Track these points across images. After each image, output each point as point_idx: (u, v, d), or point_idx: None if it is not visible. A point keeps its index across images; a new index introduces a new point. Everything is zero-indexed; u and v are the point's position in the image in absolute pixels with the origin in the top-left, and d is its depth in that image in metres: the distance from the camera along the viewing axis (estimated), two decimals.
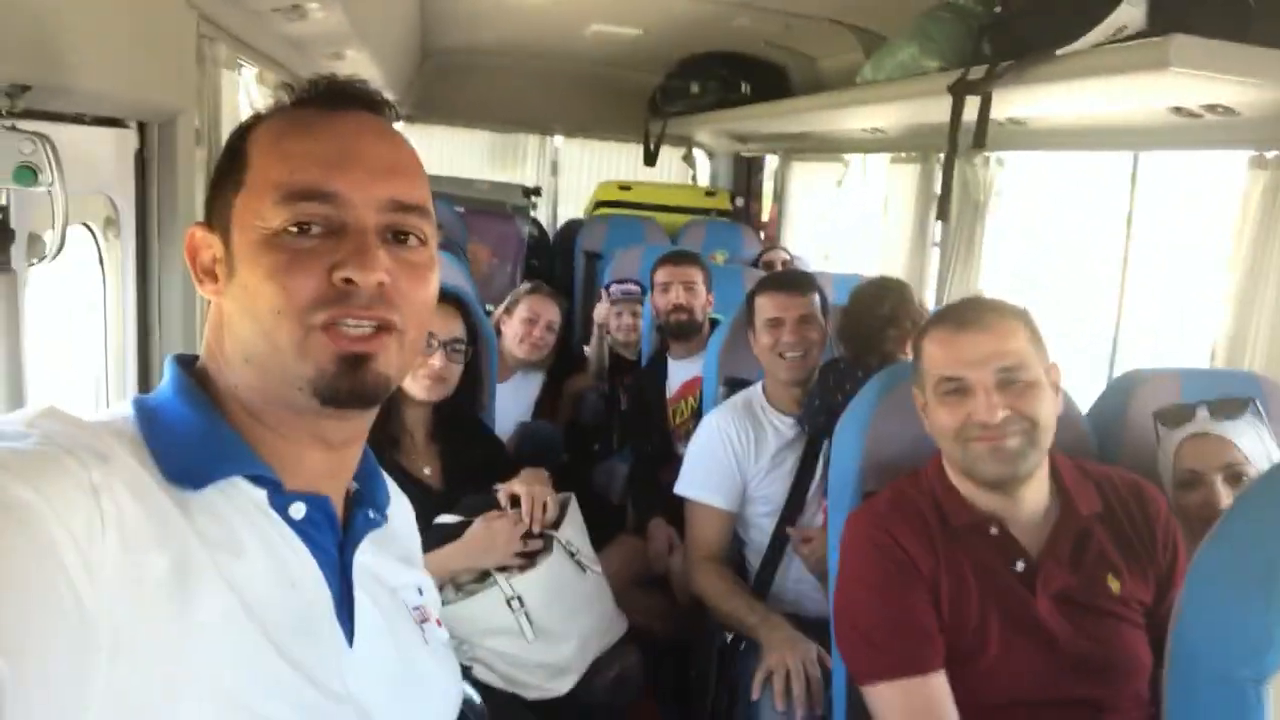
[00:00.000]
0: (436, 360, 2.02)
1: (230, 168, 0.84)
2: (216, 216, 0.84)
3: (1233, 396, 1.71)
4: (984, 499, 1.55)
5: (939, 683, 1.44)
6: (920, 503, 1.58)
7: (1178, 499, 1.61)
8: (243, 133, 0.86)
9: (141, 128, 1.65)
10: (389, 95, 3.55)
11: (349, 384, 0.79)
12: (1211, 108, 2.13)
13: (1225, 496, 1.60)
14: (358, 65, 3.31)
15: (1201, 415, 1.69)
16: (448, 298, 2.12)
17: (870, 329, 2.36)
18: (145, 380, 1.71)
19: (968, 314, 1.55)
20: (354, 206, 0.80)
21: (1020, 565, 1.53)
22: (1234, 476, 1.63)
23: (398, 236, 0.83)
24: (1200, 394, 1.85)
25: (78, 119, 1.38)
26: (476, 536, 1.90)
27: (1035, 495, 1.56)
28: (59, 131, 1.11)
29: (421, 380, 2.02)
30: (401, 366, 0.83)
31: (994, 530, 1.54)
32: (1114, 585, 1.52)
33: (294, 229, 0.79)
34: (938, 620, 1.49)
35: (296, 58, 2.76)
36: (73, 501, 0.66)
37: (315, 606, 0.82)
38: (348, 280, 0.78)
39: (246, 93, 2.33)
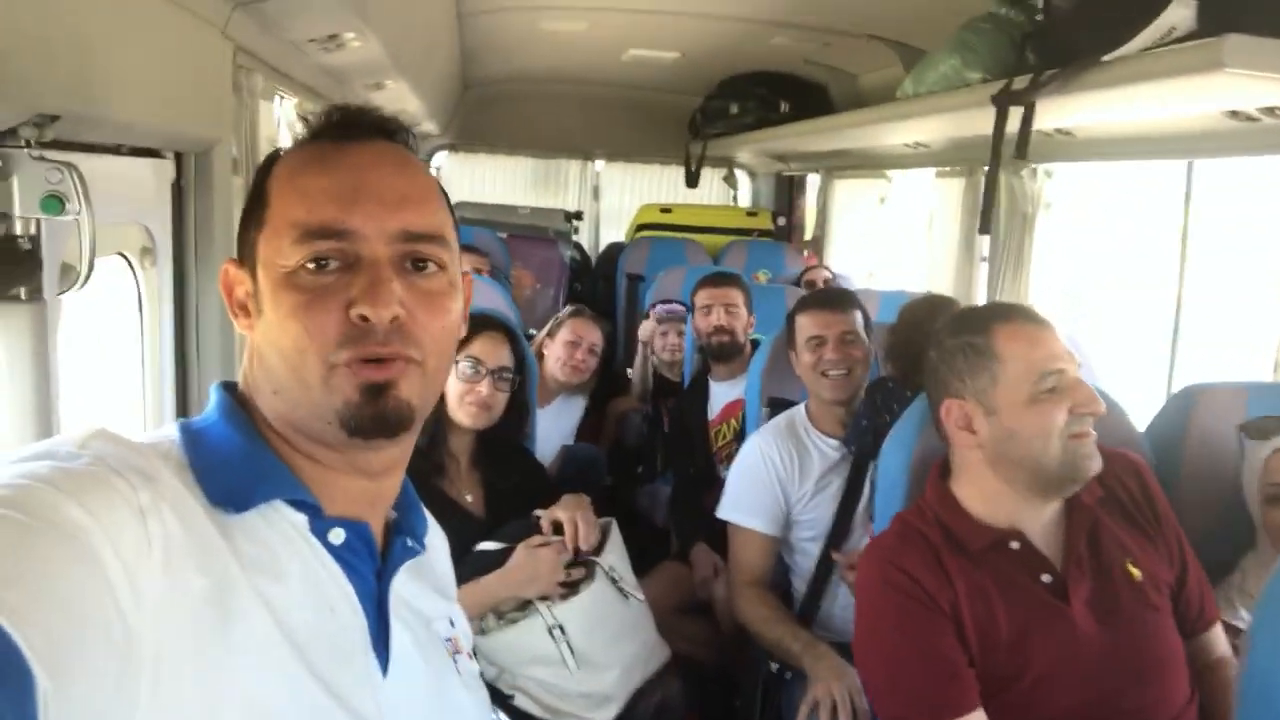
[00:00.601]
0: (484, 388, 2.02)
1: (254, 205, 0.85)
2: (245, 254, 0.85)
3: None
4: (1004, 513, 1.50)
5: None
6: (928, 533, 1.52)
7: (1266, 513, 1.55)
8: (265, 170, 0.87)
9: (178, 158, 1.67)
10: (430, 125, 3.62)
11: (372, 412, 0.79)
12: (1269, 110, 2.05)
13: None
14: (398, 95, 3.35)
15: None
16: (496, 326, 2.14)
17: (919, 347, 2.30)
18: (183, 408, 1.73)
19: (1031, 313, 1.53)
20: (367, 240, 0.80)
21: (1047, 577, 1.47)
22: None
23: (416, 264, 0.83)
24: (1267, 408, 1.78)
25: (114, 150, 1.40)
26: (520, 566, 1.87)
27: (1052, 502, 1.51)
28: (92, 162, 1.13)
29: (468, 408, 2.02)
30: (424, 395, 0.84)
31: (1015, 545, 1.49)
32: (1135, 572, 1.47)
33: (311, 265, 0.80)
34: (966, 653, 1.43)
35: (335, 88, 2.79)
36: (121, 523, 0.67)
37: (351, 633, 0.82)
38: (363, 317, 0.78)
39: (289, 125, 2.36)
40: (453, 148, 6.02)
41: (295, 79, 2.35)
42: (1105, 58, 1.96)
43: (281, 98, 2.27)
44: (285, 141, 2.18)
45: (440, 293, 0.84)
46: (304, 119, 0.88)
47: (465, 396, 2.01)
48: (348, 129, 0.86)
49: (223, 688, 0.70)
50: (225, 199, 1.73)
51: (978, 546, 1.49)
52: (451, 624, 0.99)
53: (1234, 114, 2.15)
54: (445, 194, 0.91)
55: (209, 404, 0.86)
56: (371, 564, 0.86)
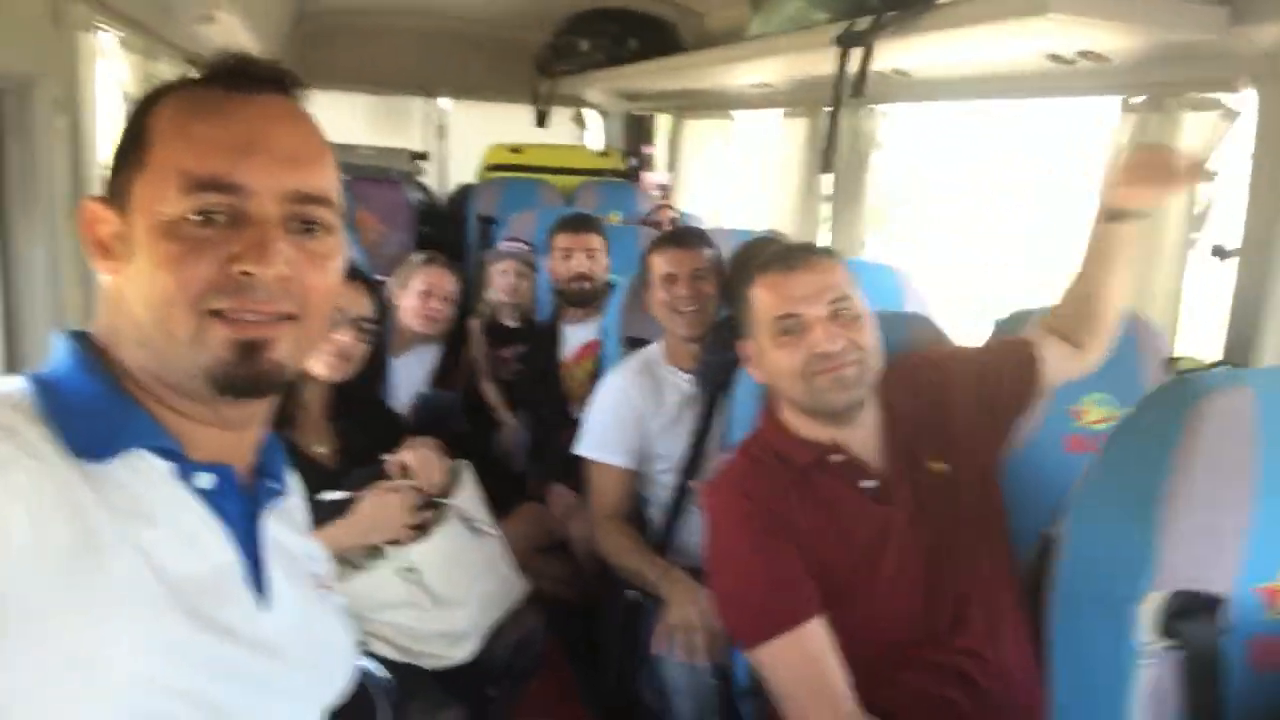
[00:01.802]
0: (344, 336, 1.94)
1: (131, 145, 0.81)
2: (115, 194, 0.81)
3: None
4: (823, 432, 1.61)
5: (815, 630, 1.48)
6: (763, 457, 1.63)
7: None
8: (145, 107, 0.83)
9: None
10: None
11: (244, 371, 0.78)
12: (1085, 54, 2.19)
13: None
14: (228, 28, 3.14)
15: None
16: (357, 275, 2.06)
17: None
18: (11, 359, 1.63)
19: (792, 257, 1.62)
20: (257, 196, 0.78)
21: (868, 483, 1.59)
22: None
23: (303, 226, 0.82)
24: None
25: None
26: (366, 513, 1.83)
27: (867, 417, 1.63)
28: None
29: (325, 357, 1.94)
30: (298, 355, 0.83)
31: (836, 458, 1.60)
32: (938, 467, 1.61)
33: (195, 217, 0.77)
34: (803, 565, 1.52)
35: (162, 20, 2.59)
36: None
37: (227, 572, 0.83)
38: (245, 273, 0.77)
39: (109, 58, 2.19)
40: None
41: (120, 11, 2.17)
42: (941, 1, 2.05)
43: (100, 29, 2.09)
44: (105, 78, 2.04)
45: (326, 254, 0.84)
46: (193, 63, 0.85)
47: (323, 345, 1.94)
48: (242, 78, 0.83)
49: (92, 634, 0.70)
50: (48, 139, 1.61)
51: (804, 462, 1.60)
52: (314, 559, 1.01)
53: (1054, 57, 2.29)
54: (332, 153, 0.88)
55: (57, 354, 0.83)
56: (239, 505, 0.87)
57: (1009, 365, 1.69)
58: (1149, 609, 0.97)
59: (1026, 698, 1.48)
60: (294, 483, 1.04)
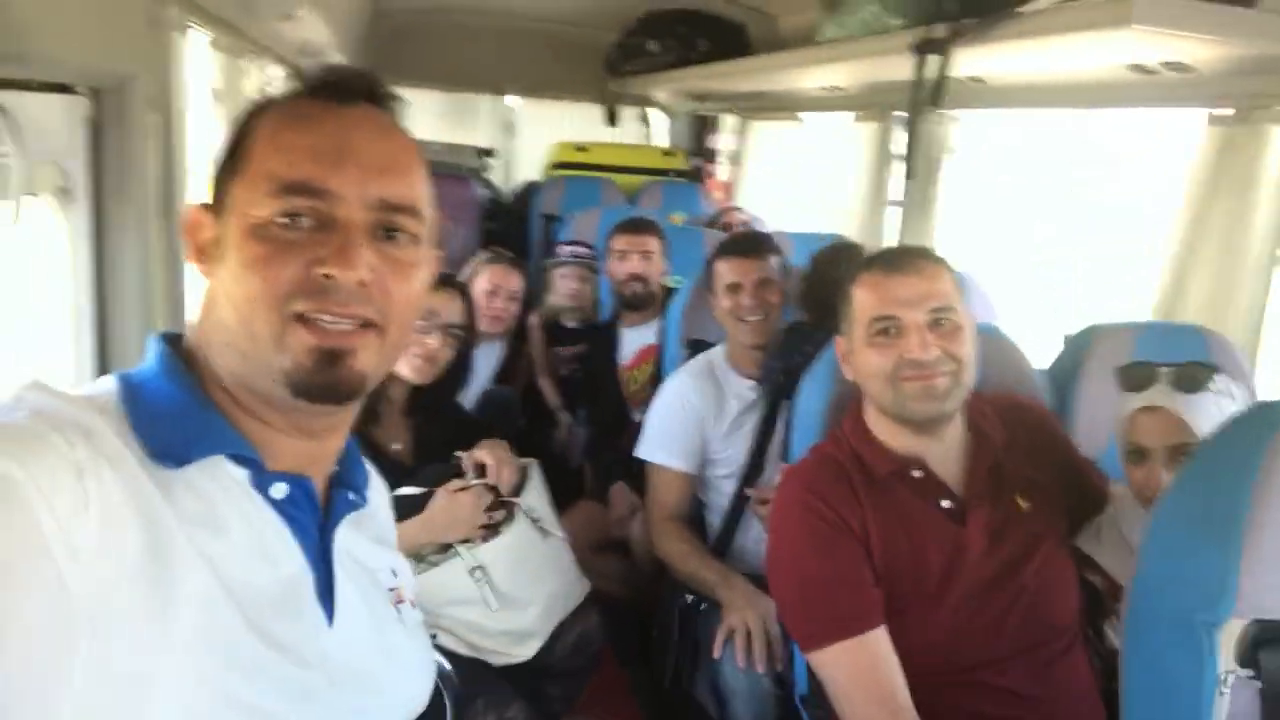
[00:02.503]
0: (432, 340, 1.98)
1: (231, 154, 0.84)
2: (216, 200, 0.84)
3: (1200, 361, 1.60)
4: (906, 443, 1.59)
5: (879, 638, 1.47)
6: (841, 460, 1.61)
7: (1127, 468, 1.58)
8: (247, 118, 0.86)
9: (94, 94, 1.59)
10: (339, 57, 3.48)
11: (323, 379, 0.79)
12: (1170, 65, 2.15)
13: (1166, 479, 1.49)
14: (308, 25, 3.22)
15: (1162, 381, 1.55)
16: (452, 282, 2.11)
17: (826, 291, 2.36)
18: (103, 354, 1.67)
19: (897, 259, 1.60)
20: (344, 203, 0.80)
21: (946, 503, 1.57)
22: (1181, 460, 1.49)
23: (389, 233, 0.83)
24: (1154, 349, 1.90)
25: (24, 85, 1.34)
26: (441, 510, 1.86)
27: (954, 434, 1.60)
28: (6, 98, 1.07)
29: (412, 360, 1.98)
30: (381, 365, 0.84)
31: (917, 473, 1.58)
32: (1022, 504, 1.59)
33: (283, 220, 0.79)
34: (872, 574, 1.52)
35: (246, 19, 2.67)
36: (58, 480, 0.66)
37: (296, 585, 0.83)
38: (327, 275, 0.78)
39: (200, 58, 2.26)
40: None
41: (208, 10, 2.24)
42: (1021, 9, 2.02)
43: (190, 29, 2.16)
44: (194, 78, 2.10)
45: (410, 262, 0.85)
46: (297, 74, 0.88)
47: (412, 347, 1.97)
48: (337, 89, 0.85)
49: (162, 644, 0.70)
50: (142, 137, 1.65)
51: (883, 473, 1.58)
52: (394, 574, 1.00)
53: (1137, 67, 2.24)
54: (427, 166, 0.90)
55: (148, 356, 0.85)
56: (314, 517, 0.87)
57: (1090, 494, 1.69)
58: (1228, 637, 0.96)
59: None
60: (378, 494, 1.04)
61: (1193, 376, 1.54)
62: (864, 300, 1.59)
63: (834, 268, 2.36)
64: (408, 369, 1.98)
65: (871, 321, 1.56)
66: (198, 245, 0.85)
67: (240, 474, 0.81)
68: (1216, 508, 0.99)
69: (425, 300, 0.90)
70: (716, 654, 1.98)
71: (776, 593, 1.62)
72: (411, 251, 0.85)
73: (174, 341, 0.87)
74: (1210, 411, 1.51)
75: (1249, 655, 0.96)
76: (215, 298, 0.83)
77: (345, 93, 0.85)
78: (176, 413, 0.79)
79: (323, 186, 0.80)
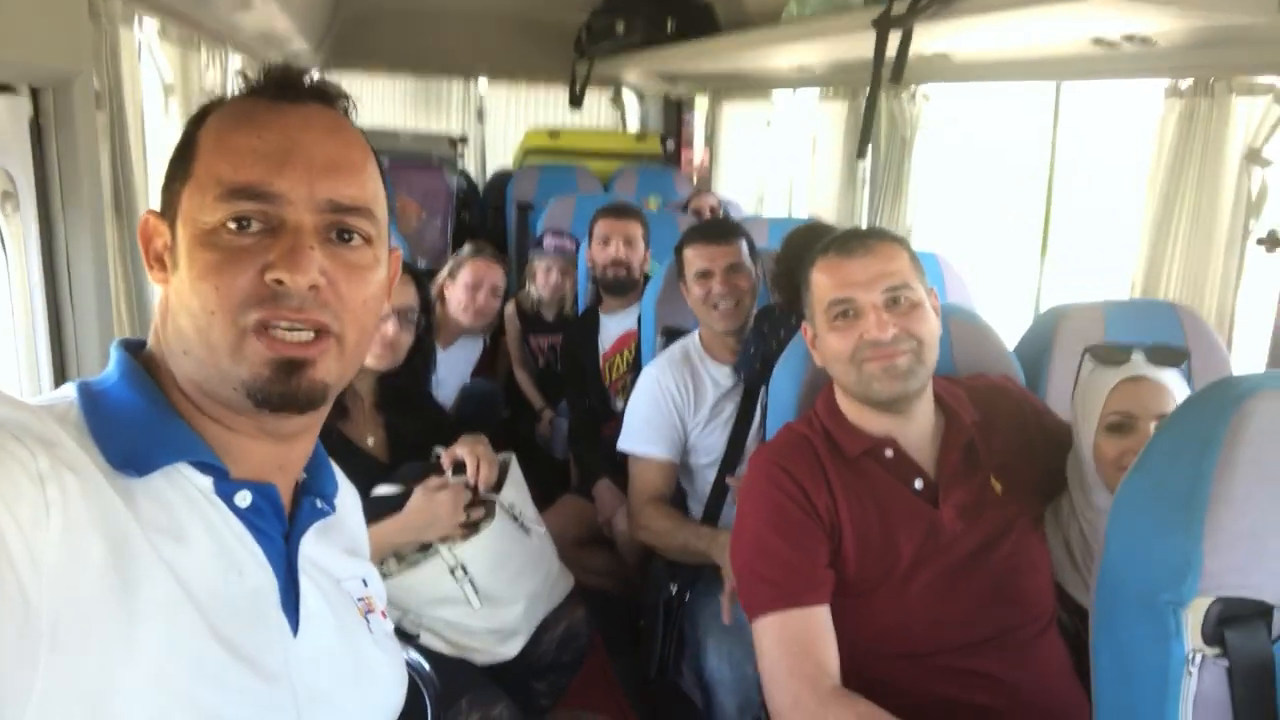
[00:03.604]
0: (389, 328, 1.97)
1: (181, 157, 0.83)
2: (167, 206, 0.83)
3: (1168, 344, 1.61)
4: (877, 423, 1.59)
5: (817, 616, 1.47)
6: (812, 439, 1.62)
7: (1102, 440, 1.55)
8: (196, 122, 0.84)
9: (35, 93, 1.54)
10: (301, 43, 3.42)
11: (282, 389, 0.78)
12: (1130, 38, 2.14)
13: None
14: (266, 13, 3.17)
15: (1138, 358, 1.57)
16: (404, 268, 2.06)
17: (801, 275, 2.36)
18: (60, 363, 1.63)
19: (852, 241, 1.59)
20: (292, 205, 0.79)
21: (919, 483, 1.58)
22: None
23: (341, 235, 0.82)
24: (1124, 326, 1.90)
25: None
26: (419, 510, 1.84)
27: (924, 414, 1.61)
28: None
29: (373, 348, 1.96)
30: (344, 372, 0.83)
31: (889, 453, 1.59)
32: (997, 486, 1.60)
33: (232, 225, 0.78)
34: (828, 555, 1.52)
35: (199, 8, 2.62)
36: (19, 489, 0.65)
37: (260, 594, 0.82)
38: (278, 281, 0.77)
39: (149, 51, 2.20)
40: (326, 67, 5.75)
41: (155, 1, 2.19)
42: None
43: (142, 21, 2.11)
44: (148, 71, 2.06)
45: (363, 265, 0.83)
46: (244, 75, 0.86)
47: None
48: (284, 89, 0.84)
49: (124, 653, 0.69)
50: (90, 137, 1.61)
51: (855, 452, 1.58)
52: (365, 583, 0.99)
53: (1099, 40, 2.24)
54: (379, 164, 0.88)
55: (109, 363, 0.84)
56: (279, 525, 0.86)
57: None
58: (1194, 615, 0.96)
59: (1058, 711, 1.48)
60: (350, 500, 1.03)
61: (1167, 354, 1.56)
62: (821, 285, 1.60)
63: (806, 249, 2.34)
64: (370, 358, 1.97)
65: (829, 305, 1.57)
66: (153, 253, 0.84)
67: (204, 482, 0.80)
68: (1179, 485, 0.99)
69: (383, 302, 0.88)
70: (726, 619, 1.97)
71: (734, 560, 1.62)
72: (365, 253, 0.83)
73: (136, 348, 0.85)
74: (1182, 389, 1.54)
75: (1215, 633, 0.96)
76: (172, 306, 0.81)
77: (292, 91, 0.83)
78: (138, 420, 0.78)
79: (269, 190, 0.78)
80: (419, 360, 2.12)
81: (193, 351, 0.79)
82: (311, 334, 0.79)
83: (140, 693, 0.69)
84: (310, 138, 0.81)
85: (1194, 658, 0.97)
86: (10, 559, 0.63)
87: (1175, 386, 1.55)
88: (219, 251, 0.77)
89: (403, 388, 2.09)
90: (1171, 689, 0.97)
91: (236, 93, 0.85)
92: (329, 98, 0.85)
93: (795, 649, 1.45)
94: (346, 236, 0.82)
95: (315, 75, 0.87)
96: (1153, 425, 1.51)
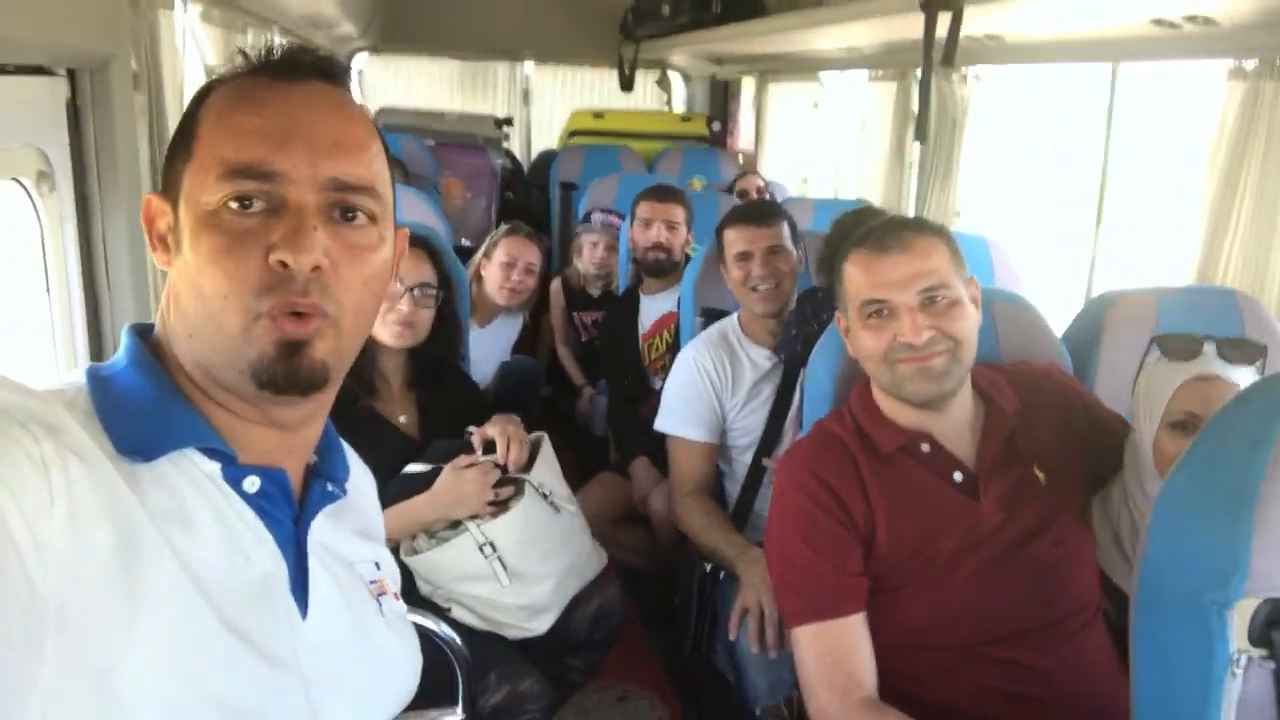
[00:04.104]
0: (404, 305, 1.96)
1: (182, 137, 0.81)
2: (169, 186, 0.82)
3: (1248, 339, 1.54)
4: (912, 418, 1.56)
5: (850, 626, 1.47)
6: (845, 437, 1.58)
7: (1164, 437, 1.48)
8: (197, 101, 0.83)
9: (72, 75, 1.55)
10: (349, 26, 3.45)
11: (285, 369, 0.77)
12: (1191, 18, 2.08)
13: None
14: None
15: (1209, 352, 1.48)
16: (416, 241, 2.05)
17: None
18: (98, 344, 1.64)
19: (887, 236, 1.54)
20: (294, 184, 0.77)
21: (959, 476, 1.55)
22: None
23: (344, 214, 0.81)
24: (1178, 314, 1.85)
25: None
26: (447, 488, 1.86)
27: (961, 408, 1.57)
28: None
29: (391, 326, 1.96)
30: (341, 354, 0.82)
31: (926, 448, 1.55)
32: (1041, 475, 1.56)
33: (234, 204, 0.77)
34: (861, 560, 1.50)
35: None
36: (24, 476, 0.65)
37: (269, 579, 0.81)
38: (283, 264, 0.76)
39: (191, 34, 2.22)
40: (374, 50, 5.79)
41: None
42: None
43: (185, 4, 2.13)
44: (189, 53, 2.08)
45: (366, 246, 0.82)
46: (243, 54, 0.84)
47: (387, 315, 1.95)
48: (285, 67, 0.82)
49: (131, 640, 0.69)
50: (127, 118, 1.62)
51: (889, 449, 1.55)
52: (377, 566, 0.98)
53: (1158, 21, 2.17)
54: (384, 142, 0.87)
55: (119, 348, 0.83)
56: (289, 510, 0.85)
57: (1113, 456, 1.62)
58: (1240, 616, 0.93)
59: (1102, 704, 1.45)
60: (363, 483, 1.03)
61: (1242, 351, 1.48)
62: (854, 281, 1.55)
63: (854, 233, 2.31)
64: (388, 336, 1.97)
65: (863, 305, 1.53)
66: (158, 235, 0.83)
67: (211, 467, 0.80)
68: (1227, 484, 0.96)
69: (386, 282, 0.86)
70: (733, 636, 1.98)
71: (769, 566, 1.62)
72: (369, 233, 0.82)
73: (146, 333, 0.85)
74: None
75: (1262, 635, 0.93)
76: (177, 288, 0.80)
77: (293, 69, 0.82)
78: (145, 406, 0.78)
79: (272, 168, 0.77)
80: (444, 336, 2.11)
81: (200, 334, 0.79)
82: (310, 311, 0.78)
83: (147, 678, 0.69)
84: (313, 116, 0.80)
85: (1239, 659, 0.94)
86: (15, 545, 0.63)
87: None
88: (223, 234, 0.77)
89: (434, 365, 2.09)
90: (1214, 690, 0.95)
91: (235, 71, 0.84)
92: (331, 75, 0.84)
93: (827, 660, 1.45)
94: (350, 215, 0.81)
95: (321, 53, 0.86)
96: None
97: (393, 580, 1.00)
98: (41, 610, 0.64)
